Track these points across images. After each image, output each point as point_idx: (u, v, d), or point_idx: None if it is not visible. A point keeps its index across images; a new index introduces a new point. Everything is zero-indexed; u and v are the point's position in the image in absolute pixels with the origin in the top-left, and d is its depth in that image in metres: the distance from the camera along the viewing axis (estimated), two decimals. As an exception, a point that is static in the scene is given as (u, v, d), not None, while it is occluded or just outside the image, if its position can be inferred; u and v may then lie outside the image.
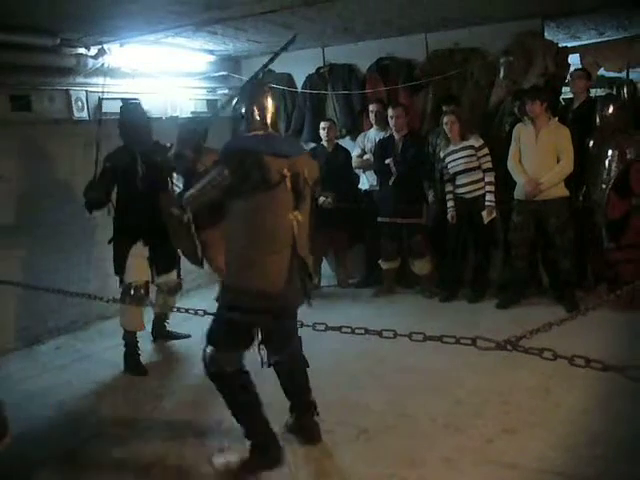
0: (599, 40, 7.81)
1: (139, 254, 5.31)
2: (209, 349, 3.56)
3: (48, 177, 6.30)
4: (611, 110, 6.18)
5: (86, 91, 6.59)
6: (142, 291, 5.32)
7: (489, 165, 6.43)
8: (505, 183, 6.37)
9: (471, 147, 6.44)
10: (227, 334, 3.49)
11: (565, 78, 6.94)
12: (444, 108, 6.77)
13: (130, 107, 5.59)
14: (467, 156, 6.45)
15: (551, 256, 6.36)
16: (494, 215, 6.45)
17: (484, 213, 6.41)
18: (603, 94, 8.28)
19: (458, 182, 6.54)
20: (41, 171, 6.25)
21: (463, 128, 6.51)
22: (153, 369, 5.42)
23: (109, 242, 5.41)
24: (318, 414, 3.95)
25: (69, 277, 6.23)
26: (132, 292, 5.23)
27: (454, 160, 6.52)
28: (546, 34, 7.00)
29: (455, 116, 6.48)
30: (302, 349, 3.88)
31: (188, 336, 5.97)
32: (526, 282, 6.60)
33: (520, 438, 3.81)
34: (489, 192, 6.42)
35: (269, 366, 3.76)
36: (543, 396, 4.34)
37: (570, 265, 6.18)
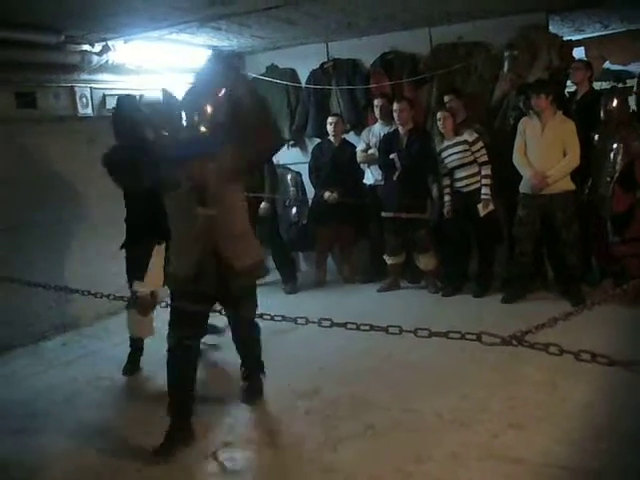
0: (603, 33, 7.81)
1: (158, 257, 4.97)
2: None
3: (52, 174, 6.30)
4: (615, 103, 6.15)
5: (90, 88, 6.62)
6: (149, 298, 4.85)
7: (485, 158, 6.44)
8: (509, 177, 6.36)
9: (464, 142, 6.45)
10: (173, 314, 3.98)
11: (569, 72, 6.92)
12: (445, 99, 6.78)
13: (126, 101, 5.20)
14: (461, 151, 6.47)
15: (557, 250, 6.35)
16: (491, 208, 6.46)
17: (480, 206, 6.41)
18: (608, 87, 8.26)
19: (455, 176, 6.58)
20: (45, 168, 6.25)
21: (457, 123, 6.53)
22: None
23: (121, 247, 5.13)
24: (265, 375, 4.61)
25: (74, 274, 6.24)
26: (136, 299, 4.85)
27: (449, 155, 6.55)
28: (550, 28, 6.99)
29: (448, 112, 6.52)
30: (253, 318, 3.84)
31: (222, 330, 5.58)
32: (531, 276, 6.59)
33: (526, 433, 3.80)
34: (485, 185, 6.43)
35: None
36: (549, 391, 4.33)
37: (576, 259, 6.17)
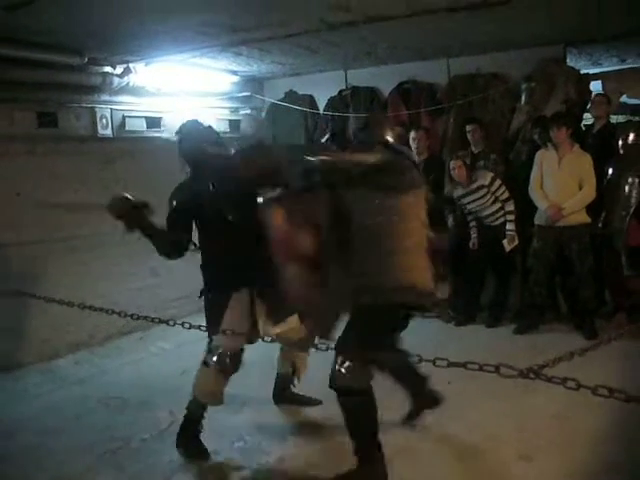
0: (621, 67, 7.83)
1: (240, 306, 4.12)
2: None
3: (70, 191, 6.34)
4: (632, 137, 6.16)
5: (111, 109, 6.69)
6: (229, 359, 4.08)
7: (506, 195, 6.39)
8: (522, 209, 6.38)
9: (482, 187, 6.43)
10: None
11: (586, 105, 6.95)
12: (467, 128, 6.81)
13: (196, 127, 4.32)
14: (481, 197, 6.45)
15: (571, 283, 6.33)
16: (516, 243, 6.42)
17: (505, 241, 6.39)
18: (624, 120, 8.28)
19: (479, 215, 6.58)
20: (63, 186, 6.29)
21: (474, 153, 6.57)
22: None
23: (199, 296, 4.34)
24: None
25: (89, 291, 6.26)
26: (217, 358, 4.07)
27: (469, 202, 6.54)
28: (568, 61, 7.02)
29: (461, 160, 6.49)
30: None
31: (319, 402, 4.77)
32: (544, 308, 6.57)
33: (536, 464, 3.77)
34: (509, 221, 6.39)
35: None
36: (560, 423, 4.30)
37: (589, 292, 6.15)
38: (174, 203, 4.15)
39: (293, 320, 4.26)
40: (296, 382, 4.86)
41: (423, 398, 4.29)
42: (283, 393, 4.91)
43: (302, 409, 4.76)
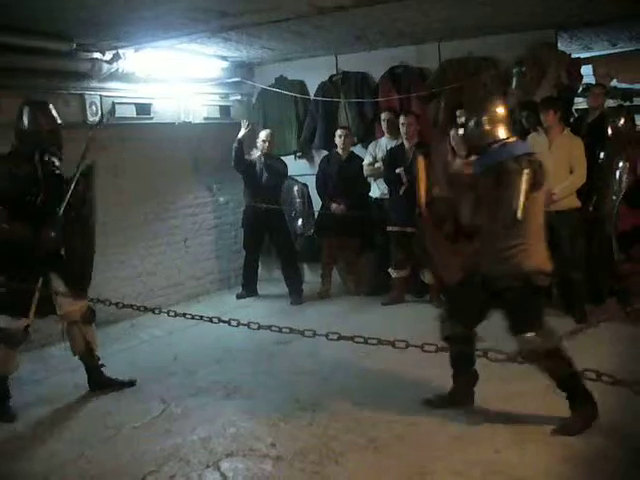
0: (612, 51, 7.82)
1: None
2: None
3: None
4: (622, 122, 6.16)
5: (100, 95, 6.63)
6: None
7: None
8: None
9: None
10: None
11: (577, 89, 6.95)
12: (457, 113, 6.78)
13: None
14: None
15: (561, 267, 6.33)
16: None
17: None
18: (615, 105, 8.27)
19: None
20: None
21: None
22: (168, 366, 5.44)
23: None
24: None
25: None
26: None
27: None
28: (559, 45, 7.01)
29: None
30: None
31: (133, 384, 5.17)
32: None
33: (529, 450, 3.78)
34: None
35: None
36: (552, 407, 4.30)
37: (580, 277, 6.16)
38: None
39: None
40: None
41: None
42: (96, 378, 5.11)
43: (292, 396, 4.76)
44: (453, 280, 4.25)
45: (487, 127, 3.98)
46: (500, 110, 4.03)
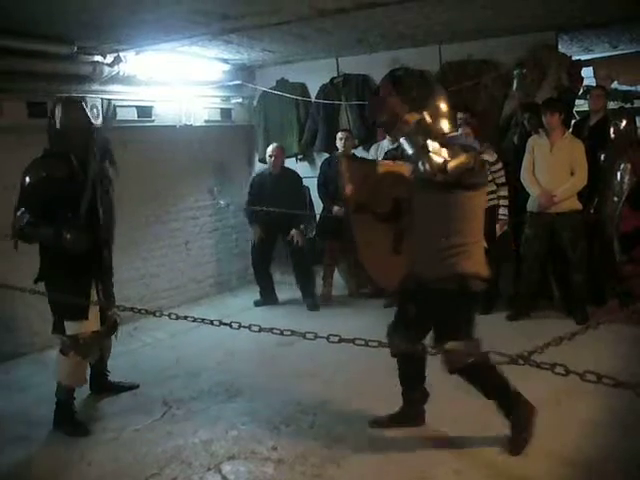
0: (612, 53, 7.82)
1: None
2: None
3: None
4: (624, 124, 6.17)
5: (101, 99, 6.63)
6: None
7: (503, 180, 6.39)
8: (515, 195, 6.37)
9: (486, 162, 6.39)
10: None
11: (578, 91, 6.94)
12: (458, 115, 6.77)
13: None
14: None
15: (563, 269, 6.34)
16: (505, 229, 6.42)
17: (497, 226, 6.38)
18: (616, 107, 8.28)
19: None
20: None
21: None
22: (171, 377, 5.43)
23: None
24: None
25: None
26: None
27: None
28: (560, 47, 7.00)
29: (470, 127, 6.40)
30: None
31: (136, 386, 5.20)
32: (537, 295, 6.58)
33: (531, 452, 3.78)
34: (503, 206, 6.39)
35: None
36: (553, 409, 4.30)
37: (582, 278, 6.16)
38: None
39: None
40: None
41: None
42: (101, 382, 5.10)
43: (293, 399, 4.76)
44: (391, 285, 4.04)
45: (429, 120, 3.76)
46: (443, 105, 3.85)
